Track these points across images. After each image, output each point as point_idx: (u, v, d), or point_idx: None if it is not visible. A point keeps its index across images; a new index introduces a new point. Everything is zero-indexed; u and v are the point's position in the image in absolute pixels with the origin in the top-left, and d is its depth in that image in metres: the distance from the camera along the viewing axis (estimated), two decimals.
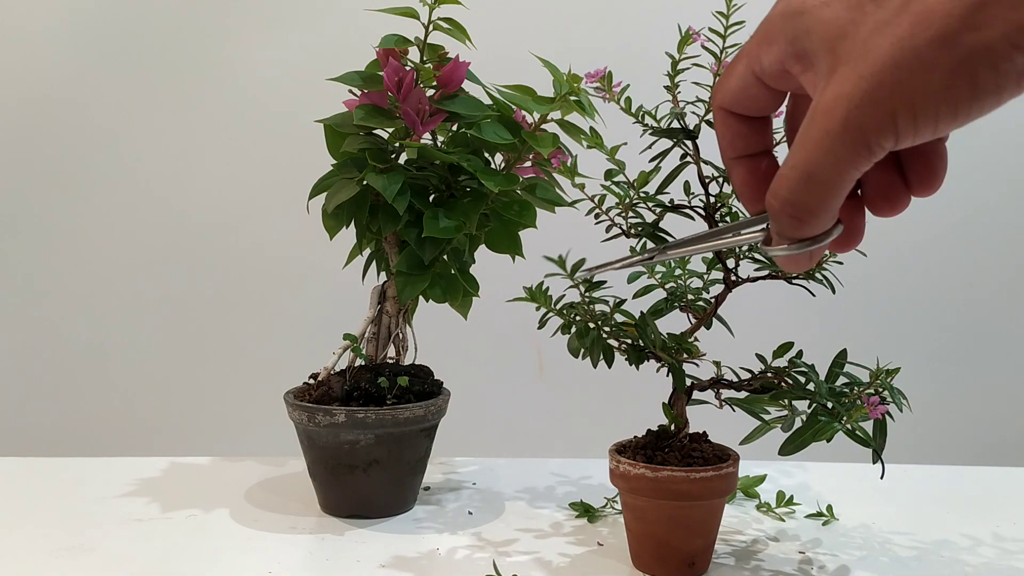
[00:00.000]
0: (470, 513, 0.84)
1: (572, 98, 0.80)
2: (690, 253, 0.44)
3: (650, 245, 0.75)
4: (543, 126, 0.82)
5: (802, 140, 0.35)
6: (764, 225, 0.40)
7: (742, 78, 0.39)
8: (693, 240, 0.43)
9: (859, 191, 0.39)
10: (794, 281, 0.71)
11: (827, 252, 0.70)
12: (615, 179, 0.71)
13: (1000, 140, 1.77)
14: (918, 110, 0.32)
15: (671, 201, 0.71)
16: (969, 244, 1.79)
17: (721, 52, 0.67)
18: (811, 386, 0.68)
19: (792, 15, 0.35)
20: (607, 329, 0.72)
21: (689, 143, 0.69)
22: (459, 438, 1.04)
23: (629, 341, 0.73)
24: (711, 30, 0.67)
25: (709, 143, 0.69)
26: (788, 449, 0.66)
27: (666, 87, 0.70)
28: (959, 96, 0.31)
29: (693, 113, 0.69)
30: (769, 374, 0.71)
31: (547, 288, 0.72)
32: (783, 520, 0.84)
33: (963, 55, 0.30)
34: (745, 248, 0.71)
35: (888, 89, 0.32)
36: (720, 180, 0.70)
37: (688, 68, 0.69)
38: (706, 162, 0.70)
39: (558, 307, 0.73)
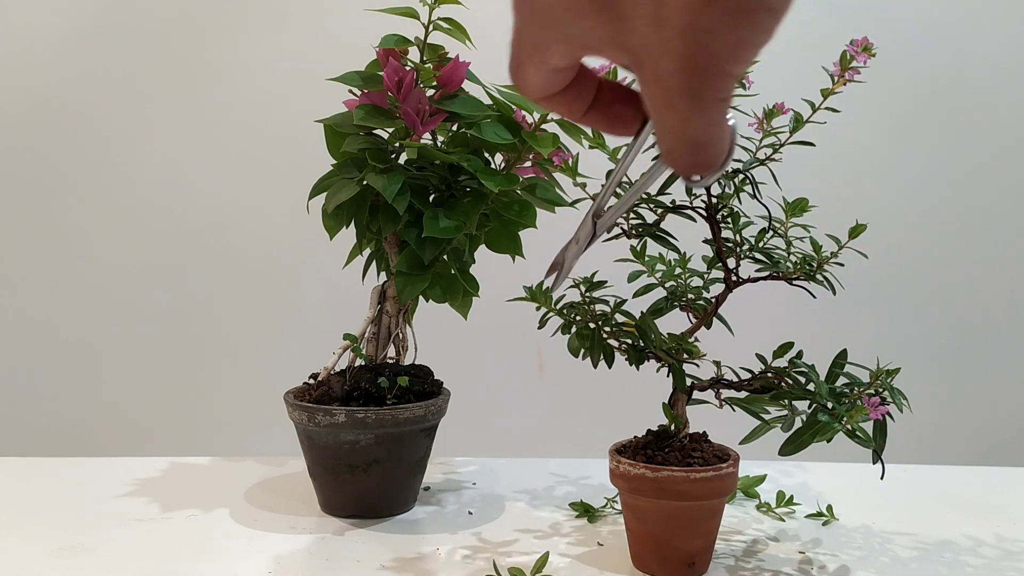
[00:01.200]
0: (470, 513, 0.84)
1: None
2: (621, 212, 0.44)
3: (652, 245, 0.75)
4: (543, 126, 0.82)
5: (668, 125, 0.35)
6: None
7: (545, 76, 0.39)
8: (607, 197, 0.43)
9: None
10: (795, 282, 0.71)
11: (827, 252, 0.70)
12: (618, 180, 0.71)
13: (1000, 141, 1.77)
14: (735, 56, 0.33)
15: (672, 202, 0.71)
16: (969, 244, 1.79)
17: None
18: (811, 386, 0.68)
19: (546, 23, 0.36)
20: (607, 329, 0.72)
21: None
22: (459, 438, 1.04)
23: (629, 341, 0.73)
24: None
25: None
26: (788, 449, 0.66)
27: None
28: (744, 34, 0.33)
29: None
30: (769, 374, 0.71)
31: (547, 288, 0.72)
32: (783, 520, 0.84)
33: (732, 7, 0.32)
34: (745, 248, 0.71)
35: (703, 51, 0.33)
36: (722, 181, 0.70)
37: None
38: None
39: (558, 307, 0.73)
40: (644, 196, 0.69)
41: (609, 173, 0.44)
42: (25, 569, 0.70)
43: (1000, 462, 1.05)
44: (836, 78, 0.66)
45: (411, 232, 0.82)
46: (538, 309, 0.73)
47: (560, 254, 0.46)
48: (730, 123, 0.37)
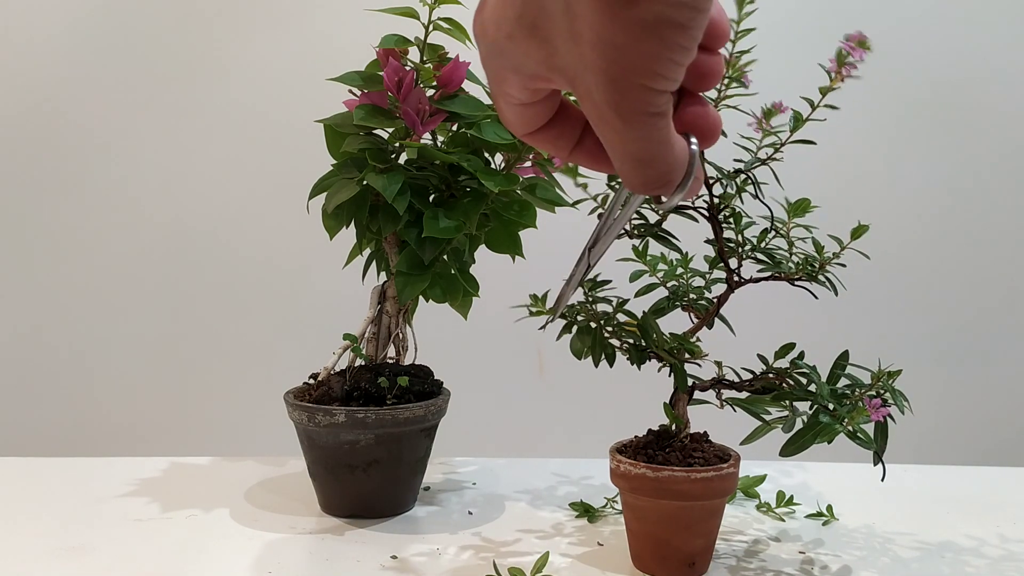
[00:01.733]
0: (470, 513, 0.84)
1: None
2: (609, 243, 0.45)
3: (653, 244, 0.75)
4: None
5: (610, 144, 0.36)
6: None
7: (515, 110, 0.40)
8: (603, 233, 0.44)
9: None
10: (796, 282, 0.71)
11: (829, 253, 0.70)
12: (619, 179, 0.71)
13: (1002, 141, 1.77)
14: (648, 70, 0.33)
15: None
16: (971, 245, 1.79)
17: (730, 55, 0.67)
18: (812, 387, 0.68)
19: (496, 54, 0.37)
20: (609, 328, 0.72)
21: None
22: (459, 438, 1.04)
23: (631, 341, 0.72)
24: None
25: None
26: (789, 450, 0.66)
27: None
28: (651, 47, 0.33)
29: None
30: (770, 375, 0.71)
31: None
32: (783, 520, 0.84)
33: (633, 21, 0.32)
34: (747, 248, 0.71)
35: (616, 65, 0.33)
36: (723, 181, 0.70)
37: None
38: (709, 163, 0.70)
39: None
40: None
41: (601, 211, 0.45)
42: (25, 569, 0.70)
43: (1000, 462, 1.05)
44: (833, 74, 0.66)
45: (411, 232, 0.82)
46: (537, 314, 0.73)
47: (561, 290, 0.47)
48: (693, 147, 0.37)
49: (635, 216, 0.72)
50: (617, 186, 0.42)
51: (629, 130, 0.35)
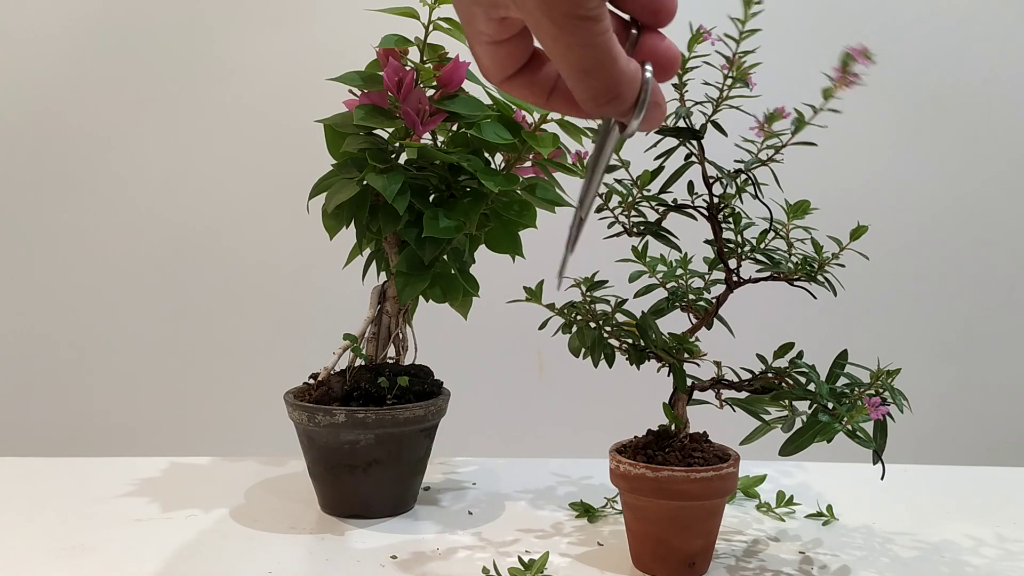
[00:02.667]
0: (470, 513, 0.84)
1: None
2: (595, 189, 0.44)
3: (652, 244, 0.75)
4: (543, 126, 0.82)
5: (552, 54, 0.37)
6: (612, 120, 0.41)
7: (489, 51, 0.41)
8: (588, 184, 0.44)
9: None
10: (795, 283, 0.71)
11: (828, 253, 0.70)
12: (618, 178, 0.71)
13: (1002, 142, 1.77)
14: None
15: (674, 200, 0.71)
16: (969, 244, 1.79)
17: (734, 56, 0.67)
18: (812, 387, 0.68)
19: None
20: (608, 329, 0.72)
21: (694, 143, 0.69)
22: (459, 438, 1.04)
23: (630, 341, 0.73)
24: (727, 35, 0.67)
25: (714, 143, 0.69)
26: (788, 450, 0.66)
27: (674, 85, 0.69)
28: None
29: (700, 112, 0.69)
30: (770, 374, 0.71)
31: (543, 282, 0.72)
32: (783, 520, 0.84)
33: None
34: (747, 248, 0.71)
35: None
36: (724, 180, 0.70)
37: (698, 67, 0.68)
38: (710, 162, 0.70)
39: (559, 307, 0.73)
40: (640, 192, 0.69)
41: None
42: (25, 569, 0.70)
43: (1000, 462, 1.05)
44: (836, 84, 0.66)
45: (411, 232, 0.82)
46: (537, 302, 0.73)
47: (564, 256, 0.47)
48: (647, 73, 0.38)
49: (635, 214, 0.72)
50: (597, 130, 0.43)
51: (564, 35, 0.36)
